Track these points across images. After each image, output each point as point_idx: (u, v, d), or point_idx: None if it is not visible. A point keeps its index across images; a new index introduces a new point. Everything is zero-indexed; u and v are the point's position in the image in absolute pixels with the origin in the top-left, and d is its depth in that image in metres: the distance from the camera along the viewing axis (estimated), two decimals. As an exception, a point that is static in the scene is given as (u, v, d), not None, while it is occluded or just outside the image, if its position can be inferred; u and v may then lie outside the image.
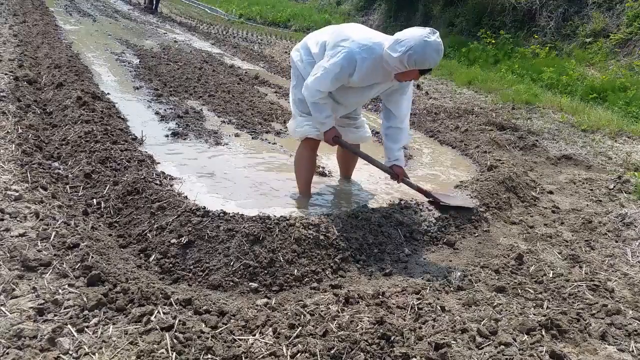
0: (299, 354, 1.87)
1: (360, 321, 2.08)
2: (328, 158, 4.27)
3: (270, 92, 6.61)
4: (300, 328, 2.02)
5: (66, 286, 2.11)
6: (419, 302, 2.29)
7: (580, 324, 2.20)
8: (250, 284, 2.42)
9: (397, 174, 3.25)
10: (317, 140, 3.29)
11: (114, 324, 1.95)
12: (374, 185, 3.81)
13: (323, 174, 3.86)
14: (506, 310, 2.25)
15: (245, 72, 7.64)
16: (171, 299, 2.14)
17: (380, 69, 2.93)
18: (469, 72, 8.54)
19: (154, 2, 15.26)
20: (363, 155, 3.32)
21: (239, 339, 1.97)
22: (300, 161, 3.41)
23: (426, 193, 3.33)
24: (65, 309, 1.99)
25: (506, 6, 10.30)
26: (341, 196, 3.54)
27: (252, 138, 4.64)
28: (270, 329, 2.03)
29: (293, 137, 3.46)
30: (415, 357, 1.90)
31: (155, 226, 2.72)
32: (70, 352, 1.78)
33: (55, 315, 1.95)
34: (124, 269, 2.36)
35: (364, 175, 3.99)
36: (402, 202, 3.31)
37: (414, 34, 2.75)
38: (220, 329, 2.00)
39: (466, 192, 3.56)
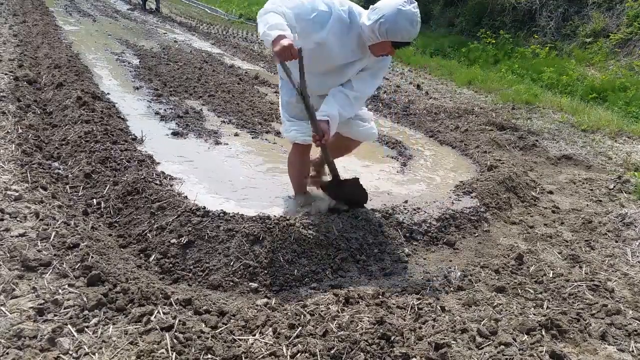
0: (299, 354, 1.87)
1: (360, 321, 2.08)
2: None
3: (270, 92, 6.61)
4: (300, 328, 2.02)
5: (66, 286, 2.11)
6: (419, 302, 2.29)
7: (580, 324, 2.20)
8: (250, 284, 2.42)
9: (321, 129, 2.68)
10: (306, 145, 3.04)
11: (114, 324, 1.95)
12: (375, 186, 3.80)
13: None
14: (506, 310, 2.25)
15: (245, 72, 7.64)
16: (171, 299, 2.14)
17: (356, 38, 2.70)
18: (469, 72, 8.54)
19: (155, 2, 15.25)
20: (307, 103, 2.69)
21: (239, 339, 1.97)
22: (291, 167, 3.27)
23: (335, 173, 3.01)
24: (65, 309, 1.98)
25: (506, 6, 10.30)
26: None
27: (252, 138, 4.64)
28: (270, 329, 2.03)
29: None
30: (415, 357, 1.90)
31: (155, 226, 2.72)
32: (70, 352, 1.78)
33: (55, 315, 1.95)
34: (124, 269, 2.36)
35: (364, 175, 3.99)
36: (403, 202, 3.31)
37: (390, 1, 2.55)
38: (220, 329, 2.00)
39: (466, 192, 3.56)
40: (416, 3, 2.58)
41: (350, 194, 3.14)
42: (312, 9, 2.63)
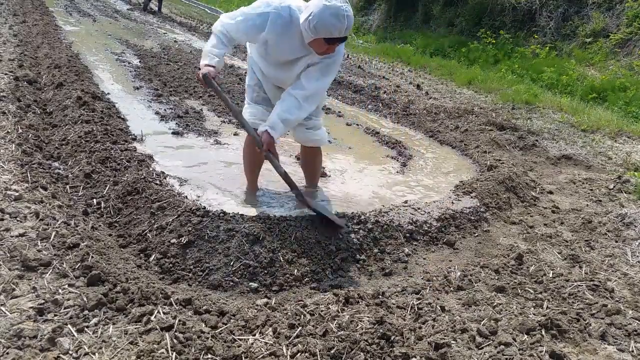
0: (299, 354, 1.87)
1: (360, 321, 2.08)
2: (328, 158, 4.27)
3: (270, 92, 6.60)
4: (300, 328, 2.02)
5: (66, 286, 2.11)
6: (419, 302, 2.29)
7: (580, 324, 2.20)
8: (250, 284, 2.42)
9: (264, 141, 2.76)
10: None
11: (114, 324, 1.95)
12: (375, 186, 3.80)
13: (323, 174, 3.85)
14: (506, 310, 2.25)
15: (245, 72, 7.64)
16: (171, 299, 2.14)
17: (298, 35, 2.70)
18: (469, 72, 8.54)
19: (157, 2, 15.24)
20: (234, 110, 2.89)
21: (239, 338, 1.97)
22: (244, 152, 3.31)
23: (293, 187, 2.89)
24: (65, 309, 1.99)
25: (506, 6, 10.30)
26: (342, 196, 3.54)
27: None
28: (270, 329, 2.03)
29: None
30: (415, 357, 1.90)
31: (155, 226, 2.72)
32: (70, 352, 1.78)
33: (55, 315, 1.95)
34: (124, 269, 2.36)
35: (365, 176, 3.99)
36: (403, 202, 3.31)
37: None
38: (220, 329, 2.00)
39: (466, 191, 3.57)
40: None
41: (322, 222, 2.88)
42: (248, 17, 2.74)
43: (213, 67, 2.79)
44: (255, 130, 2.85)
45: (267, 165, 3.73)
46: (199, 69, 2.81)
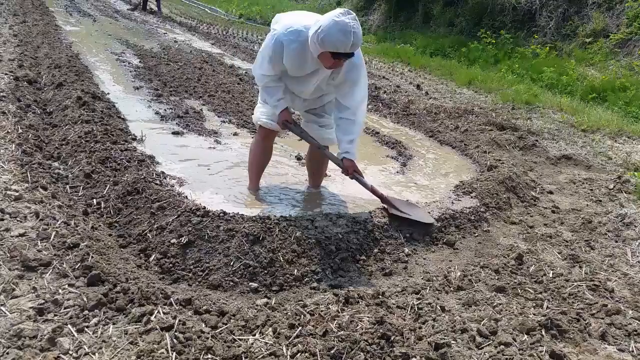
0: (299, 354, 1.87)
1: (360, 321, 2.08)
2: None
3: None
4: (300, 328, 2.02)
5: (66, 286, 2.11)
6: (419, 302, 2.29)
7: (580, 324, 2.20)
8: (250, 284, 2.42)
9: (346, 167, 3.06)
10: (271, 130, 3.23)
11: (114, 324, 1.95)
12: (375, 186, 3.79)
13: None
14: (506, 310, 2.25)
15: (245, 72, 7.64)
16: (171, 299, 2.14)
17: (309, 52, 2.79)
18: (469, 72, 8.54)
19: (156, 2, 15.25)
20: (315, 144, 3.16)
21: (239, 339, 1.97)
22: (251, 153, 3.41)
23: (381, 197, 3.14)
24: (65, 309, 1.98)
25: (506, 6, 10.31)
26: (342, 196, 3.54)
27: (252, 137, 4.63)
28: (270, 329, 2.03)
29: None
30: (415, 357, 1.90)
31: (155, 226, 2.72)
32: (70, 352, 1.78)
33: (55, 315, 1.95)
34: (124, 269, 2.36)
35: (365, 176, 3.99)
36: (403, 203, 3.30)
37: (329, 14, 2.65)
38: (220, 329, 2.00)
39: (466, 191, 3.56)
40: (354, 15, 2.64)
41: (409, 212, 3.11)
42: (270, 57, 2.88)
43: (284, 110, 3.06)
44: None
45: (267, 165, 3.74)
46: (276, 123, 3.12)
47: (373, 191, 3.14)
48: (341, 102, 3.05)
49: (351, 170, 3.06)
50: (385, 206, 3.13)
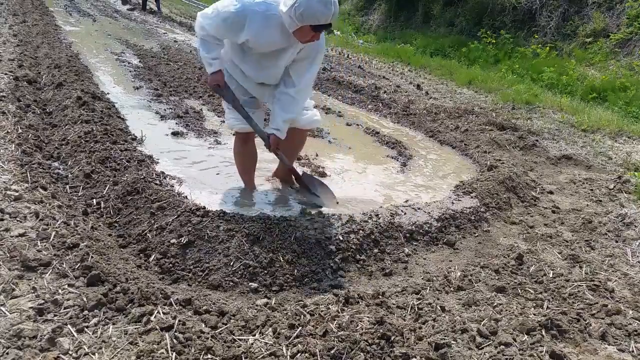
0: (299, 354, 1.87)
1: (360, 321, 2.08)
2: (329, 158, 4.27)
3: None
4: (300, 328, 2.02)
5: (66, 286, 2.11)
6: (419, 302, 2.29)
7: (580, 324, 2.20)
8: (250, 284, 2.42)
9: (272, 143, 3.02)
10: (247, 133, 3.15)
11: (113, 324, 1.95)
12: (375, 186, 3.80)
13: (323, 174, 3.86)
14: (506, 310, 2.25)
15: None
16: (171, 299, 2.14)
17: (278, 27, 2.71)
18: (469, 72, 8.54)
19: (155, 2, 15.25)
20: (244, 115, 3.03)
21: (239, 339, 1.97)
22: (235, 156, 3.39)
23: (297, 175, 3.27)
24: (65, 309, 1.98)
25: (506, 6, 10.31)
26: (342, 197, 3.53)
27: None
28: (270, 329, 2.03)
29: None
30: (415, 357, 1.90)
31: (155, 226, 2.72)
32: (70, 352, 1.78)
33: (55, 315, 1.95)
34: (124, 269, 2.36)
35: (365, 176, 3.99)
36: (403, 202, 3.30)
37: None
38: (220, 329, 2.00)
39: (466, 191, 3.56)
40: None
41: (319, 189, 3.30)
42: (226, 17, 2.71)
43: (218, 71, 2.96)
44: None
45: (266, 165, 3.75)
46: (205, 79, 2.87)
47: (291, 170, 3.30)
48: (292, 78, 2.97)
49: (274, 147, 3.04)
50: (298, 179, 3.29)
